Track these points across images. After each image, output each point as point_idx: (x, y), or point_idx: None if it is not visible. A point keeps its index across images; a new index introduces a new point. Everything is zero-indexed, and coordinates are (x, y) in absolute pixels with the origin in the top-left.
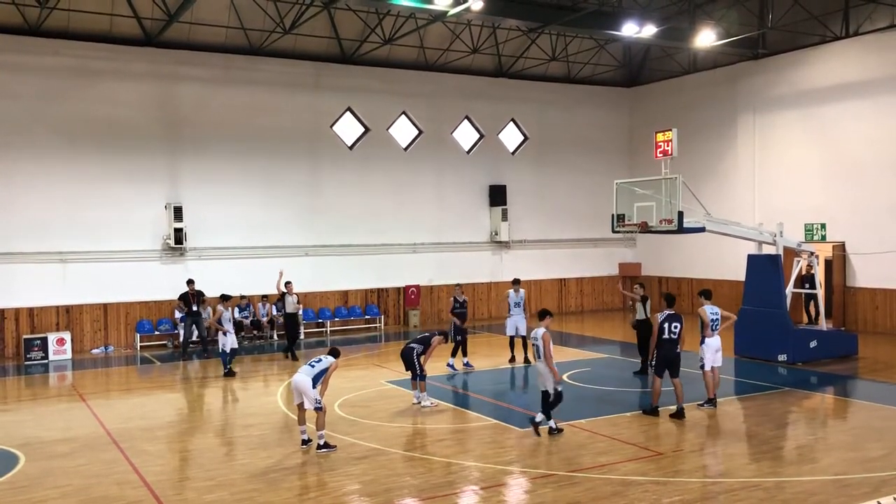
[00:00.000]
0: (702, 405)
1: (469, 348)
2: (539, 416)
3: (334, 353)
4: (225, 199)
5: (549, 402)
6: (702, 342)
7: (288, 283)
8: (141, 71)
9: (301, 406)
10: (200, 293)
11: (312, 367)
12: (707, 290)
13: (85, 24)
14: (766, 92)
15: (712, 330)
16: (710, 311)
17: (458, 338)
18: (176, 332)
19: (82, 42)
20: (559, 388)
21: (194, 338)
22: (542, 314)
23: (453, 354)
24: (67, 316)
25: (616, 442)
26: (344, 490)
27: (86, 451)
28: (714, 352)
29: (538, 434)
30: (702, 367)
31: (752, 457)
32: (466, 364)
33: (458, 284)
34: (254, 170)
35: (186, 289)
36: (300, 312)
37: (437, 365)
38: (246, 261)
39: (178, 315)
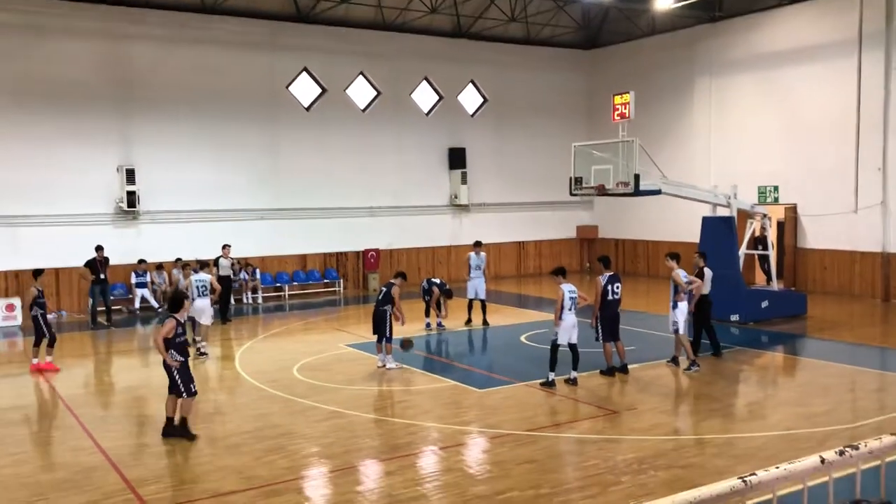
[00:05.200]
0: (688, 369)
1: (429, 310)
2: (574, 374)
3: (205, 265)
4: (179, 161)
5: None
6: (674, 307)
7: (225, 247)
8: (92, 29)
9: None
10: (107, 260)
11: (203, 290)
12: (676, 253)
13: None
14: (723, 55)
15: (685, 294)
16: (683, 275)
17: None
18: (130, 296)
19: None
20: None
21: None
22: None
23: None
24: (17, 281)
25: (572, 401)
26: (304, 453)
27: (39, 418)
28: (686, 315)
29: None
30: (675, 330)
31: (705, 414)
32: (439, 324)
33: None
34: (208, 131)
35: (95, 255)
36: (234, 276)
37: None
38: (201, 224)
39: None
